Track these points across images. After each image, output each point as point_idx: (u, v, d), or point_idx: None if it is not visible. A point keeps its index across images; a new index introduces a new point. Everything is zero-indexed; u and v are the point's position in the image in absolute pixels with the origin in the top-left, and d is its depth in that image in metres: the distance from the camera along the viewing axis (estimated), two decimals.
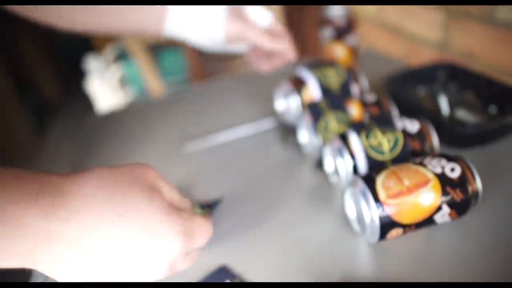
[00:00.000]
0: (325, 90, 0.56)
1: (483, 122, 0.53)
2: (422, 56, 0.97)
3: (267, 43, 0.56)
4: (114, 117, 0.81)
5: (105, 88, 1.41)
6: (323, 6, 0.73)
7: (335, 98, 0.53)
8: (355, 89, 0.57)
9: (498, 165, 0.49)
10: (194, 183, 0.55)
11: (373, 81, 0.75)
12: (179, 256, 0.29)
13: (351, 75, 0.58)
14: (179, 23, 0.54)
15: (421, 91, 0.66)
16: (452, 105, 0.59)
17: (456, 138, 0.52)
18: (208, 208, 0.48)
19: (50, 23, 0.52)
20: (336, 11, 0.74)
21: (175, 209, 0.29)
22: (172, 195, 0.32)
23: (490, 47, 0.77)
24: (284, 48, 0.57)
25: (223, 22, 0.54)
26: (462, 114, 0.56)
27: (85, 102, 1.60)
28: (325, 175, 0.52)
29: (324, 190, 0.50)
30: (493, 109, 0.57)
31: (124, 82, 1.51)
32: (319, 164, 0.53)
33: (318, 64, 0.59)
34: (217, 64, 1.42)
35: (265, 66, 0.61)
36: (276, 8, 1.16)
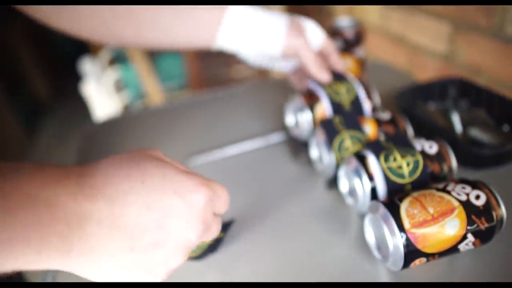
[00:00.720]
0: (336, 106, 0.54)
1: (498, 142, 0.52)
2: (426, 67, 0.97)
3: (313, 68, 0.54)
4: (112, 126, 0.77)
5: (101, 92, 1.38)
6: (333, 17, 0.72)
7: (349, 116, 0.52)
8: (366, 105, 0.56)
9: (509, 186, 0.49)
10: None
11: (380, 93, 0.73)
12: (208, 208, 0.29)
13: (362, 90, 0.57)
14: (234, 35, 0.51)
15: (432, 107, 0.65)
16: (464, 123, 0.58)
17: (472, 158, 0.51)
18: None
19: (82, 35, 0.47)
20: (345, 23, 0.73)
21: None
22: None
23: (497, 62, 0.77)
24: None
25: (284, 36, 0.51)
26: (476, 133, 0.55)
27: (79, 104, 1.57)
28: (339, 195, 0.51)
29: (340, 212, 0.48)
30: (506, 128, 0.56)
31: (120, 86, 1.48)
32: (333, 183, 0.52)
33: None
34: (217, 69, 1.40)
35: (304, 86, 0.60)
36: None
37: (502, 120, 0.57)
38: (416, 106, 0.63)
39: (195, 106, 0.80)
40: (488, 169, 0.52)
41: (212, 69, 1.44)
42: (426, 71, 0.97)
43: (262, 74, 1.40)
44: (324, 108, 0.54)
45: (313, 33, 0.56)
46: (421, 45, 0.96)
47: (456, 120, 0.59)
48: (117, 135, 0.73)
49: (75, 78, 1.46)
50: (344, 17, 0.74)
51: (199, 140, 0.66)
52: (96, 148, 0.70)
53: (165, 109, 0.81)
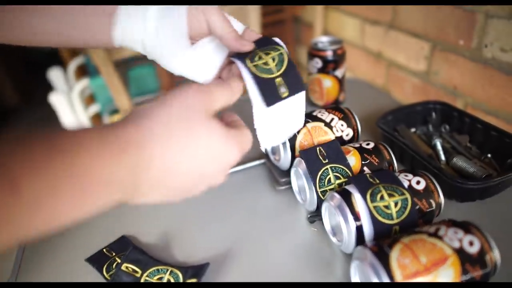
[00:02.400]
0: (265, 83, 0.42)
1: (483, 173, 0.50)
2: (403, 85, 0.96)
3: (227, 34, 0.43)
4: None
5: (68, 103, 1.31)
6: (312, 38, 0.69)
7: (331, 146, 0.49)
8: (298, 75, 0.44)
9: (499, 216, 0.47)
10: (175, 235, 0.49)
11: (359, 113, 0.71)
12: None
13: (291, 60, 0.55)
14: (132, 27, 0.43)
15: (413, 130, 0.63)
16: (448, 151, 0.56)
17: (458, 191, 0.49)
18: (192, 275, 0.42)
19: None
20: (324, 43, 0.71)
21: (229, 129, 0.34)
22: (222, 100, 0.35)
23: (475, 83, 0.76)
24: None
25: (185, 9, 0.43)
26: (460, 163, 0.53)
27: (49, 112, 1.49)
28: (321, 230, 0.47)
29: (323, 250, 0.45)
30: (489, 156, 0.55)
31: (91, 98, 1.41)
32: (314, 217, 0.48)
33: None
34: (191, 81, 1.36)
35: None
36: (253, 28, 1.12)
37: (485, 148, 0.56)
38: (398, 131, 0.61)
39: None
40: (473, 201, 0.50)
41: (187, 81, 1.39)
42: (404, 89, 0.96)
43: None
44: (250, 89, 0.42)
45: (231, 21, 0.46)
46: (399, 63, 0.95)
47: (439, 147, 0.57)
48: None
49: (46, 86, 1.38)
50: (323, 36, 0.72)
51: None
52: None
53: None
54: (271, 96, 0.41)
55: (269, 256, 0.45)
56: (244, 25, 0.47)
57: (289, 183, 0.53)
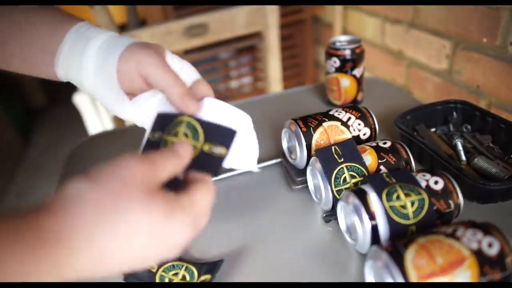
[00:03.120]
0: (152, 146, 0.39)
1: (505, 174, 0.49)
2: (424, 85, 0.94)
3: (175, 97, 0.37)
4: (102, 139, 0.76)
5: (93, 104, 1.34)
6: (330, 30, 0.68)
7: (347, 145, 0.48)
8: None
9: None
10: None
11: (378, 113, 0.70)
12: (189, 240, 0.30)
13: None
14: (72, 52, 0.39)
15: (433, 131, 0.62)
16: (469, 151, 0.55)
17: (478, 192, 0.48)
18: (206, 271, 0.42)
19: None
20: (342, 42, 0.70)
21: (178, 200, 0.29)
22: (168, 170, 0.31)
23: (499, 83, 0.74)
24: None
25: (120, 50, 0.38)
26: (481, 163, 0.52)
27: (74, 112, 1.53)
28: (337, 229, 0.47)
29: (338, 250, 0.45)
30: None
31: None
32: (330, 216, 0.48)
33: None
34: (215, 85, 1.37)
35: None
36: (272, 29, 1.12)
37: (509, 149, 0.54)
38: (417, 131, 0.60)
39: None
40: (495, 203, 0.48)
41: (210, 84, 1.40)
42: (425, 89, 0.94)
43: (260, 91, 1.37)
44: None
45: (181, 68, 0.41)
46: (420, 62, 0.94)
47: (460, 148, 0.55)
48: (106, 148, 0.71)
49: (71, 86, 1.42)
50: (341, 36, 0.71)
51: None
52: (86, 162, 0.67)
53: None
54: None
55: (283, 255, 0.45)
56: (197, 75, 0.42)
57: (305, 182, 0.53)
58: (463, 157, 0.54)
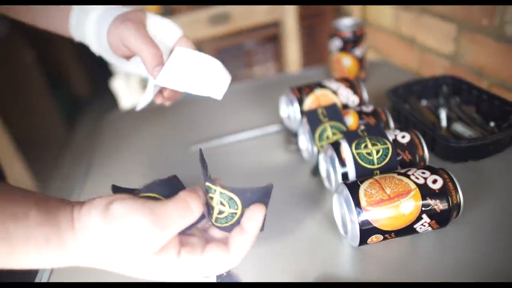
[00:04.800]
0: None
1: (477, 136, 0.54)
2: (434, 69, 0.98)
3: (147, 59, 0.44)
4: (131, 114, 0.86)
5: (127, 88, 1.47)
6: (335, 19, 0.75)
7: (332, 108, 0.55)
8: None
9: (488, 179, 0.50)
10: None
11: (380, 92, 0.76)
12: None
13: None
14: (78, 26, 0.49)
15: (424, 103, 0.67)
16: (451, 119, 0.60)
17: (450, 151, 0.53)
18: None
19: (26, 21, 0.53)
20: (345, 23, 0.76)
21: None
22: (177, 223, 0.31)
23: (500, 63, 0.77)
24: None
25: (108, 24, 0.46)
26: (460, 129, 0.57)
27: (113, 99, 1.67)
28: (321, 180, 0.54)
29: (318, 194, 0.52)
30: (492, 125, 0.58)
31: (146, 83, 1.56)
32: (316, 170, 0.55)
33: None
34: (236, 70, 1.46)
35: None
36: (292, 17, 1.19)
37: (489, 117, 0.59)
38: (408, 103, 0.66)
39: (204, 99, 0.85)
40: (466, 161, 0.53)
41: (232, 70, 1.50)
42: (435, 73, 0.98)
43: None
44: None
45: (164, 29, 0.48)
46: (430, 46, 0.97)
47: (443, 116, 0.61)
48: (135, 122, 0.81)
49: (110, 74, 1.56)
50: (345, 19, 0.78)
51: (203, 129, 0.72)
52: (114, 135, 0.78)
53: (178, 101, 0.87)
54: None
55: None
56: (179, 32, 0.48)
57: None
58: (443, 123, 0.59)
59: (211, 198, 0.34)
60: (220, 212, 0.34)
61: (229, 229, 0.35)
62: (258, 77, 1.50)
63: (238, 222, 0.34)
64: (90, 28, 0.48)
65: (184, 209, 0.30)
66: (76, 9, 0.49)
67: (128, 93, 1.45)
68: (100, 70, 3.01)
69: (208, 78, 0.45)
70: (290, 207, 0.51)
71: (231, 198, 0.34)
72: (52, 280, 0.45)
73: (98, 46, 0.50)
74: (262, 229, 0.35)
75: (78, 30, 0.50)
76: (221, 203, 0.34)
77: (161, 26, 0.48)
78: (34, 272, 0.47)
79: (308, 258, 0.43)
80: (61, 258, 0.29)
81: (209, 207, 0.35)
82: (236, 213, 0.34)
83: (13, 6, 0.51)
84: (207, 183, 0.34)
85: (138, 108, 0.51)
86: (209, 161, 0.61)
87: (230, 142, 0.67)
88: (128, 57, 0.50)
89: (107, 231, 0.28)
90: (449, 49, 0.90)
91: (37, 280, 0.46)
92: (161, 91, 0.50)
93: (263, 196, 0.34)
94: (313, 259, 0.43)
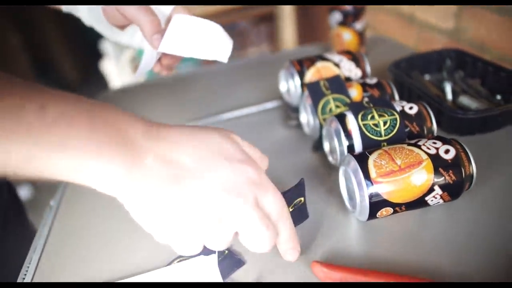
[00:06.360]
0: None
1: (484, 108, 0.52)
2: (433, 46, 0.96)
3: (145, 27, 0.42)
4: (125, 93, 0.83)
5: (119, 69, 1.43)
6: None
7: (334, 79, 0.53)
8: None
9: (497, 152, 0.49)
10: None
11: (381, 67, 0.74)
12: (249, 187, 0.31)
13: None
14: None
15: (427, 78, 0.65)
16: (457, 92, 0.58)
17: (457, 123, 0.51)
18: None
19: None
20: None
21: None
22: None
23: (503, 37, 0.76)
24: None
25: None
26: (465, 101, 0.55)
27: (102, 84, 1.63)
28: (323, 155, 0.52)
29: (321, 169, 0.50)
30: (499, 98, 0.56)
31: (137, 65, 1.52)
32: (318, 144, 0.53)
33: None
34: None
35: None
36: None
37: (495, 89, 0.57)
38: (411, 76, 0.64)
39: (202, 76, 0.83)
40: (474, 135, 0.52)
41: None
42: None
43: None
44: None
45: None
46: (430, 23, 0.95)
47: (448, 89, 0.59)
48: (129, 101, 0.78)
49: (98, 58, 1.52)
50: None
51: (201, 106, 0.69)
52: None
53: (173, 78, 0.84)
54: None
55: (272, 172, 0.51)
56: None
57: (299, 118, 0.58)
58: (449, 96, 0.57)
59: None
60: None
61: None
62: (251, 51, 1.46)
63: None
64: None
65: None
66: None
67: (119, 74, 1.41)
68: (89, 55, 2.96)
69: (211, 41, 0.43)
70: (293, 184, 0.48)
71: None
72: (36, 280, 0.42)
73: (90, 15, 0.47)
74: (307, 216, 0.40)
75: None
76: None
77: None
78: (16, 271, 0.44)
79: (314, 234, 0.41)
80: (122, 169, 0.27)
81: None
82: None
83: None
84: None
85: (137, 76, 0.49)
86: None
87: (227, 119, 0.64)
88: (122, 27, 0.47)
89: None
90: (449, 24, 0.88)
91: (19, 280, 0.42)
92: (159, 59, 0.47)
93: (300, 191, 0.39)
94: (319, 235, 0.41)
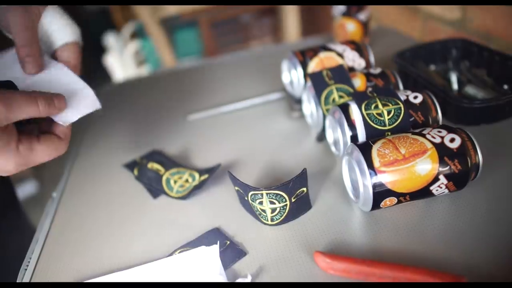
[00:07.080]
0: None
1: (491, 97, 0.51)
2: (438, 37, 0.94)
3: (19, 47, 0.40)
4: (128, 86, 0.83)
5: (122, 63, 1.43)
6: None
7: (338, 69, 0.52)
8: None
9: (504, 142, 0.48)
10: (198, 149, 0.56)
11: (385, 58, 0.73)
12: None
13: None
14: None
15: (432, 68, 0.64)
16: (463, 82, 0.57)
17: (463, 113, 0.50)
18: (205, 172, 0.48)
19: None
20: None
21: (21, 142, 0.34)
22: (25, 112, 0.33)
23: (510, 27, 0.74)
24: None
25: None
26: (471, 91, 0.54)
27: (105, 77, 1.63)
28: (327, 146, 0.52)
29: (325, 160, 0.50)
30: (505, 87, 0.55)
31: (141, 59, 1.52)
32: (321, 135, 0.53)
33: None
34: (233, 46, 1.42)
35: None
36: None
37: (501, 79, 0.56)
38: (415, 67, 0.63)
39: (205, 69, 0.82)
40: (479, 125, 0.51)
41: (228, 45, 1.45)
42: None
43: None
44: None
45: (60, 28, 0.44)
46: (435, 13, 0.94)
47: (453, 79, 0.58)
48: (132, 94, 0.78)
49: (102, 52, 1.51)
50: None
51: (202, 100, 0.69)
52: (111, 105, 0.75)
53: (176, 71, 0.84)
54: None
55: (276, 163, 0.50)
56: (72, 38, 0.45)
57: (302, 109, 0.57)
58: (455, 86, 0.56)
59: (261, 202, 0.39)
60: (273, 210, 0.39)
61: (285, 221, 0.41)
62: (252, 44, 1.46)
63: (291, 212, 0.40)
64: None
65: (31, 100, 0.34)
66: None
67: (122, 68, 1.40)
68: (92, 48, 2.96)
69: (71, 102, 0.41)
70: (295, 173, 0.48)
71: (277, 195, 0.39)
72: (37, 270, 0.42)
73: None
74: (310, 207, 0.42)
75: None
76: (271, 202, 0.39)
77: (56, 25, 0.43)
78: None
79: (317, 225, 0.41)
80: None
81: (260, 214, 0.40)
82: (286, 205, 0.40)
83: None
84: (251, 192, 0.39)
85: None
86: (207, 130, 0.58)
87: (229, 111, 0.64)
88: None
89: None
90: (454, 15, 0.87)
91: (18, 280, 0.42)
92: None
93: (303, 181, 0.40)
94: (322, 226, 0.40)
